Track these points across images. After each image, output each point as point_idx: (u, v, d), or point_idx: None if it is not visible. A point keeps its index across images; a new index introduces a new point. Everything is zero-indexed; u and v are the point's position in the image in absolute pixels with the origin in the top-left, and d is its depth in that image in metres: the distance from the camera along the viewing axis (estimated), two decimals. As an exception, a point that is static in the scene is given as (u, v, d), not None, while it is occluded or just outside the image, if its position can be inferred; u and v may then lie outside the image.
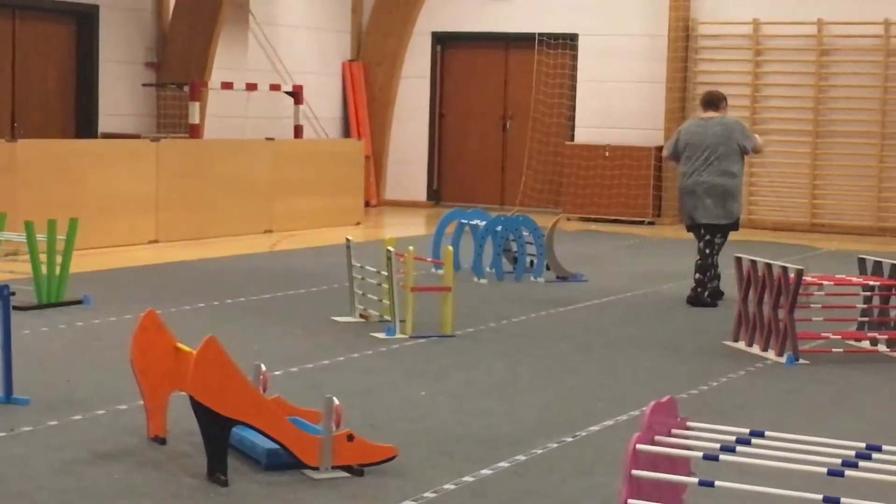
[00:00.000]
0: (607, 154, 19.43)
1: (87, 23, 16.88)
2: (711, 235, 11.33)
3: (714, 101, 11.51)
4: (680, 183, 11.47)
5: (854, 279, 9.62)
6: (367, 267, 10.02)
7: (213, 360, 5.60)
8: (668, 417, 4.77)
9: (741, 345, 9.37)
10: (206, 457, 5.68)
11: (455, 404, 7.35)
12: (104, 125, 17.02)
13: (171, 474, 5.78)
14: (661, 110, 19.39)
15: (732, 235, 11.66)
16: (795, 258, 14.09)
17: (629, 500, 4.51)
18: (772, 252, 13.91)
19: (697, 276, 11.39)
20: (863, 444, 4.63)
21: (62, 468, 5.84)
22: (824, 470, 4.40)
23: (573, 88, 20.19)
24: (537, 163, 20.32)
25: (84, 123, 16.97)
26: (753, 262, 9.28)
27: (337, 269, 11.95)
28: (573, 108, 20.20)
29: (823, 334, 9.22)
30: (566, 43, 20.08)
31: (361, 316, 10.05)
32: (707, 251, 11.34)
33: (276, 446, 5.77)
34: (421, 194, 21.25)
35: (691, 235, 11.72)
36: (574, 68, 20.14)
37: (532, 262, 12.80)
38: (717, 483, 4.49)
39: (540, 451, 6.33)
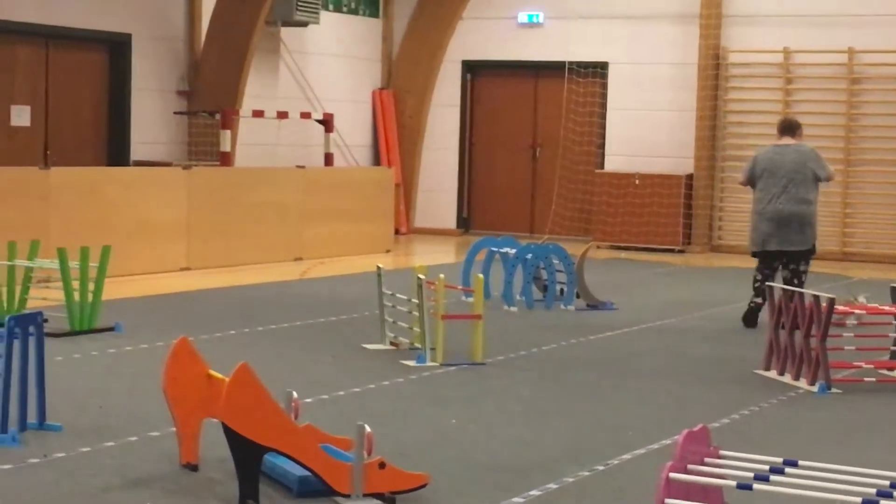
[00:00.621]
0: (637, 182, 19.41)
1: (119, 51, 16.99)
2: (796, 264, 11.46)
3: (791, 128, 11.69)
4: (757, 208, 11.53)
5: (886, 308, 9.58)
6: (398, 294, 10.03)
7: (245, 387, 5.61)
8: (701, 446, 4.75)
9: (772, 374, 9.33)
10: (237, 483, 5.69)
11: (486, 432, 7.35)
12: (136, 153, 17.10)
13: (202, 501, 5.78)
14: (691, 139, 19.37)
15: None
16: (827, 287, 14.02)
17: (662, 529, 4.49)
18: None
19: (758, 300, 11.42)
20: (897, 474, 4.61)
21: (94, 494, 5.85)
22: (859, 500, 4.38)
23: (603, 116, 20.19)
24: (567, 191, 20.32)
25: (116, 151, 17.06)
26: (785, 291, 9.25)
27: (367, 297, 11.96)
28: (603, 137, 20.20)
29: (856, 363, 9.18)
30: (596, 71, 20.10)
31: (392, 343, 10.05)
32: (795, 281, 11.35)
33: (307, 473, 5.77)
34: (451, 222, 21.27)
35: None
36: (604, 96, 20.15)
37: (562, 290, 12.79)
38: (750, 512, 4.47)
39: (571, 480, 6.32)
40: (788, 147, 11.56)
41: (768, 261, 11.55)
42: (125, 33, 16.94)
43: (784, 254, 11.45)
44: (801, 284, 11.28)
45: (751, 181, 11.67)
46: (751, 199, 19.11)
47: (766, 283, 9.57)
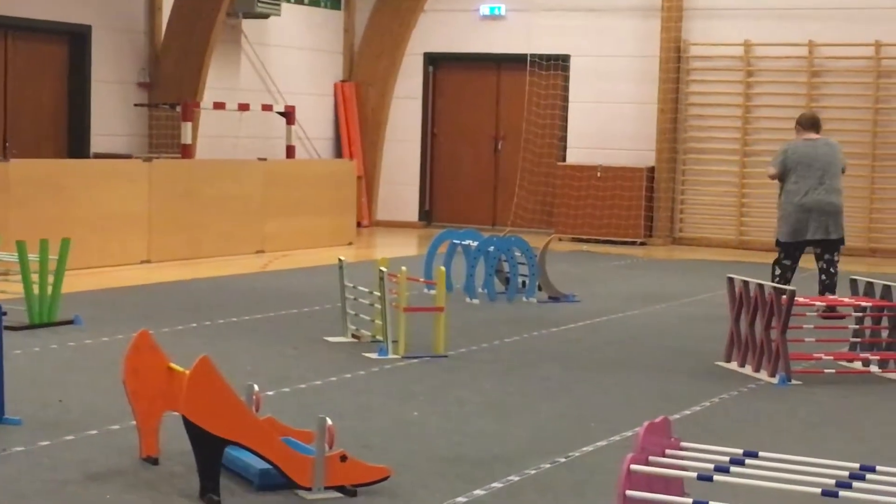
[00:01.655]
0: (599, 175, 19.46)
1: (79, 43, 16.89)
2: (830, 254, 11.87)
3: (817, 123, 12.18)
4: (794, 200, 11.86)
5: (846, 300, 9.63)
6: (360, 287, 10.01)
7: (205, 380, 5.59)
8: (662, 438, 4.76)
9: (733, 365, 9.37)
10: (198, 477, 5.67)
11: (448, 424, 7.35)
12: (96, 145, 17.01)
13: (163, 494, 5.76)
14: (652, 131, 19.43)
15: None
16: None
17: (623, 521, 4.50)
18: (764, 273, 13.91)
19: (828, 294, 11.68)
20: (857, 465, 4.63)
21: (54, 489, 5.82)
22: (818, 490, 4.40)
23: (565, 109, 20.22)
24: (529, 183, 20.34)
25: (76, 143, 16.96)
26: (745, 283, 9.29)
27: (329, 290, 11.94)
28: (565, 129, 20.23)
29: (815, 355, 9.23)
30: (558, 64, 20.12)
31: (354, 336, 10.04)
32: (832, 270, 11.83)
33: (268, 466, 5.76)
34: (413, 215, 21.26)
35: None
36: (566, 89, 20.18)
37: (524, 282, 12.80)
38: (711, 503, 4.49)
39: (533, 472, 6.32)
40: (818, 141, 12.02)
41: (795, 252, 11.94)
42: (85, 25, 16.84)
43: (819, 243, 11.85)
44: (835, 273, 11.83)
45: (782, 174, 12.03)
46: (714, 192, 19.26)
47: (731, 276, 9.60)
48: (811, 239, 11.84)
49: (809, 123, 12.19)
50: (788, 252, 12.02)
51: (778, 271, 12.00)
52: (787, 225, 11.91)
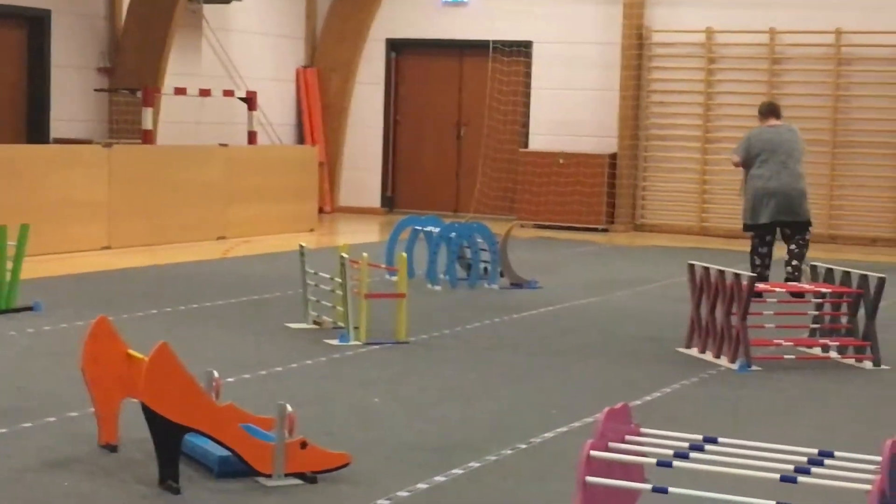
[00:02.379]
0: (561, 161, 19.47)
1: (38, 28, 16.76)
2: (801, 235, 12.08)
3: (777, 111, 12.44)
4: (759, 185, 12.02)
5: (806, 286, 9.67)
6: (321, 273, 9.99)
7: (164, 367, 5.56)
8: (622, 424, 4.77)
9: (694, 352, 9.40)
10: (157, 464, 5.64)
11: (409, 411, 7.34)
12: (56, 130, 16.89)
13: (122, 482, 5.73)
14: (614, 118, 19.46)
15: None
16: (748, 265, 14.14)
17: (583, 507, 4.51)
18: (725, 259, 13.95)
19: (795, 274, 11.95)
20: (815, 451, 4.65)
21: (12, 476, 5.78)
22: (777, 476, 4.42)
23: (527, 96, 20.22)
24: (491, 170, 20.34)
25: (36, 129, 16.83)
26: (706, 269, 9.32)
27: (290, 276, 11.91)
28: (527, 116, 20.24)
29: (775, 341, 9.27)
30: (520, 50, 20.12)
31: (315, 322, 10.02)
32: (798, 251, 12.05)
33: (228, 453, 5.73)
34: (375, 201, 21.23)
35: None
36: (528, 75, 20.18)
37: (486, 268, 12.80)
38: (670, 489, 4.50)
39: (494, 458, 6.32)
40: (781, 127, 12.27)
41: (765, 236, 12.14)
42: (44, 9, 16.71)
43: (788, 225, 12.08)
44: (805, 254, 12.10)
45: (746, 161, 12.23)
46: (675, 179, 19.31)
47: (692, 263, 9.62)
48: (780, 220, 12.02)
49: (769, 110, 12.40)
50: (762, 238, 12.16)
51: (758, 261, 12.15)
52: (758, 209, 12.08)
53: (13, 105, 16.77)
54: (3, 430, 6.56)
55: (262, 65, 19.98)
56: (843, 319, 9.50)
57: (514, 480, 5.97)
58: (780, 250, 12.32)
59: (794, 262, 12.08)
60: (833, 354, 9.38)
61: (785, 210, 11.95)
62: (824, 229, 18.30)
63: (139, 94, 16.82)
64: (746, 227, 12.28)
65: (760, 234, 12.17)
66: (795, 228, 12.08)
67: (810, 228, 12.22)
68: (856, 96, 18.45)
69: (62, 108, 17.01)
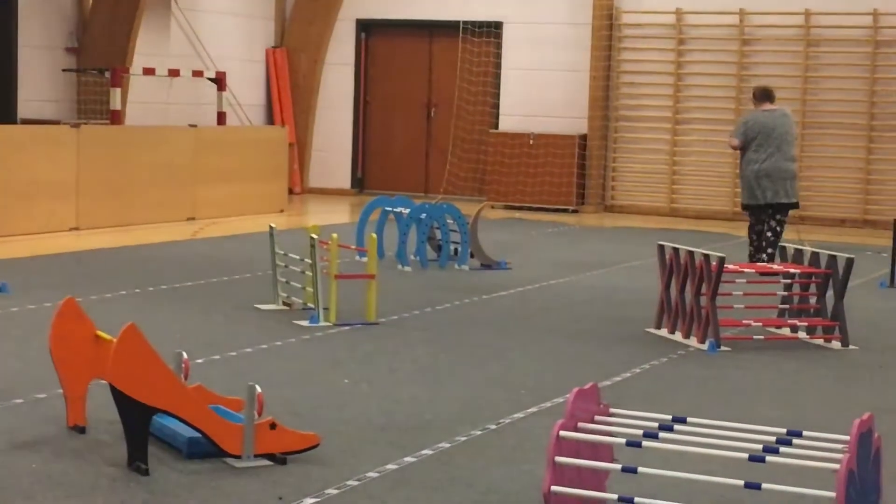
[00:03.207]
0: (531, 142, 19.48)
1: (5, 7, 16.62)
2: (782, 215, 12.75)
3: (772, 95, 13.04)
4: (755, 167, 12.60)
5: (775, 267, 9.71)
6: (291, 254, 9.96)
7: (133, 348, 5.53)
8: (591, 404, 4.78)
9: (664, 332, 9.42)
10: (126, 445, 5.62)
11: (379, 392, 7.33)
12: (23, 111, 16.78)
13: (90, 463, 5.71)
14: (584, 99, 19.46)
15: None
16: (717, 246, 14.19)
17: (552, 487, 4.52)
18: (694, 240, 14.00)
19: (770, 251, 12.52)
20: (783, 430, 4.67)
21: (-21, 458, 5.75)
22: (746, 455, 4.43)
23: (497, 76, 20.21)
24: (462, 151, 20.33)
25: (3, 109, 16.69)
26: (676, 250, 9.34)
27: (260, 257, 11.88)
28: (497, 96, 20.22)
29: (745, 321, 9.30)
30: (490, 31, 20.09)
31: (285, 303, 9.99)
32: (779, 229, 12.74)
33: (197, 435, 5.72)
34: (345, 182, 21.19)
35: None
36: (498, 56, 20.16)
37: (456, 249, 12.79)
38: (639, 469, 4.51)
39: (464, 439, 6.33)
40: (776, 111, 12.86)
41: (762, 215, 12.73)
42: (11, -12, 16.59)
43: (778, 206, 12.67)
44: (782, 232, 12.78)
45: (744, 144, 12.70)
46: (645, 160, 19.34)
47: (661, 244, 9.64)
48: (775, 202, 12.62)
49: (765, 95, 12.97)
50: (757, 217, 12.77)
51: (754, 237, 12.82)
52: (755, 189, 12.64)
53: (-20, 85, 16.65)
54: (-29, 412, 6.52)
55: (231, 45, 19.90)
56: (812, 300, 9.53)
57: (483, 461, 5.97)
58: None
59: (770, 251, 12.59)
60: (802, 335, 9.42)
61: (776, 192, 12.57)
62: (794, 210, 18.33)
63: (107, 74, 16.72)
64: (745, 207, 12.93)
65: (756, 213, 12.78)
66: (778, 208, 12.69)
67: (789, 211, 12.81)
68: (825, 77, 18.50)
69: (30, 89, 16.90)
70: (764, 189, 12.63)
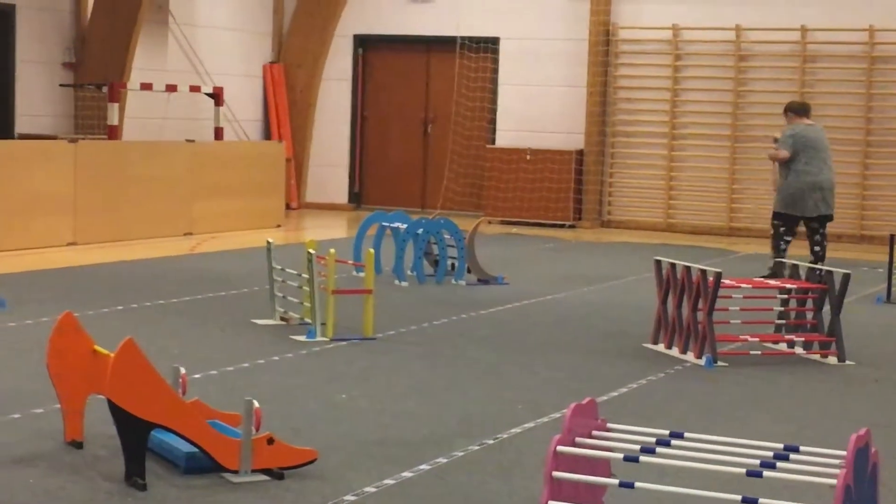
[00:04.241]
0: (529, 157, 19.49)
1: (3, 22, 16.65)
2: (824, 227, 13.31)
3: (809, 110, 13.58)
4: (809, 179, 13.03)
5: (771, 282, 9.72)
6: (288, 269, 9.97)
7: (130, 363, 5.53)
8: (589, 419, 4.78)
9: (660, 347, 9.42)
10: (124, 460, 5.62)
11: (376, 407, 7.33)
12: (21, 126, 16.79)
13: (88, 479, 5.70)
14: (581, 114, 19.48)
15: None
16: (714, 261, 14.21)
17: (549, 502, 4.52)
18: (691, 255, 14.02)
19: (821, 263, 12.58)
20: (781, 445, 4.67)
21: (-24, 473, 5.74)
22: (743, 471, 4.43)
23: (494, 92, 20.23)
24: (459, 166, 20.34)
25: (0, 124, 16.73)
26: (673, 265, 9.35)
27: (257, 272, 11.88)
28: (494, 112, 20.24)
29: (741, 337, 9.30)
30: (487, 46, 20.13)
31: (282, 318, 10.00)
32: (825, 242, 13.34)
33: (195, 449, 5.72)
34: (342, 197, 21.20)
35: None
36: (495, 72, 20.19)
37: (453, 264, 12.80)
38: (637, 484, 4.51)
39: (461, 454, 6.33)
40: (815, 126, 13.36)
41: (794, 226, 13.26)
42: (9, 3, 16.62)
43: (822, 218, 13.23)
44: (826, 244, 13.39)
45: (791, 156, 13.10)
46: (642, 175, 19.36)
47: (658, 259, 9.65)
48: (819, 213, 13.13)
49: (804, 110, 13.46)
50: (790, 227, 13.23)
51: (783, 246, 13.20)
52: (797, 200, 13.06)
53: (-22, 100, 16.66)
54: (-32, 427, 6.52)
55: (228, 60, 19.93)
56: (809, 315, 9.54)
57: (480, 476, 5.98)
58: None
59: (821, 263, 12.64)
60: (798, 350, 9.43)
61: (826, 203, 13.11)
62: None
63: (105, 89, 16.74)
64: (781, 216, 13.19)
65: (792, 224, 13.21)
66: (821, 221, 13.25)
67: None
68: (821, 93, 18.52)
69: (27, 104, 16.91)
70: (816, 201, 13.05)
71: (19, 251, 13.72)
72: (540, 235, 18.07)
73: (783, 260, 12.06)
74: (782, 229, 13.21)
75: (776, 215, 13.28)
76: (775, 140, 13.42)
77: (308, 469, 5.84)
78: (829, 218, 13.32)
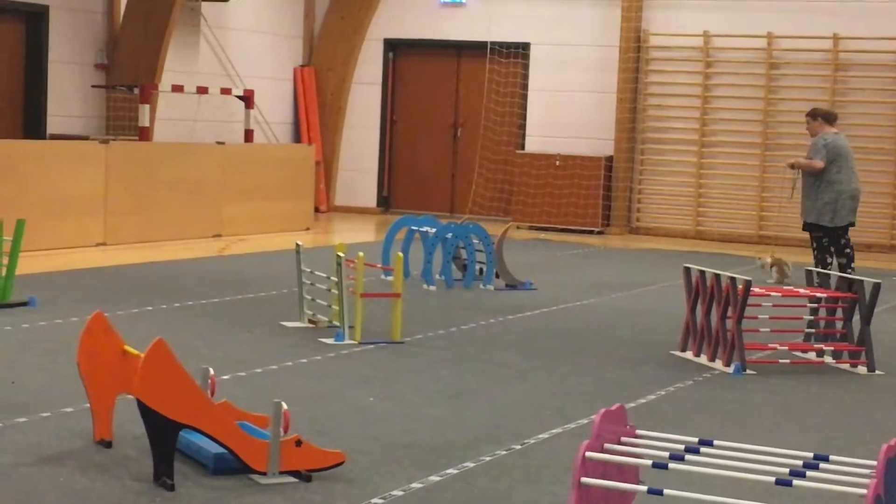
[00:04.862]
0: (558, 163, 19.48)
1: (36, 23, 16.75)
2: (846, 233, 13.32)
3: (837, 118, 13.61)
4: (844, 188, 13.14)
5: (801, 291, 9.68)
6: (317, 272, 9.98)
7: (160, 364, 5.55)
8: (618, 425, 4.77)
9: (689, 355, 9.40)
10: (152, 460, 5.63)
11: (403, 411, 7.34)
12: (53, 126, 16.88)
13: (116, 478, 5.72)
14: (611, 120, 19.46)
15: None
16: (743, 269, 14.16)
17: (578, 508, 4.51)
18: (720, 263, 13.98)
19: (852, 266, 13.07)
20: (810, 454, 4.66)
21: (5, 472, 5.77)
22: (773, 479, 4.42)
23: (524, 97, 20.23)
24: (488, 171, 20.34)
25: (32, 124, 16.82)
26: (702, 273, 9.32)
27: (286, 275, 11.90)
28: (524, 117, 20.24)
29: (770, 345, 9.27)
30: (518, 52, 20.13)
31: (310, 321, 10.01)
32: (851, 245, 13.36)
33: (223, 451, 5.73)
34: (371, 201, 21.23)
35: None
36: (525, 77, 20.19)
37: (481, 269, 12.80)
38: (665, 491, 4.50)
39: (488, 459, 6.32)
40: (841, 135, 13.41)
41: (832, 234, 13.25)
42: (42, 4, 16.70)
43: (847, 226, 13.27)
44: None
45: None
46: (671, 182, 19.31)
47: (687, 266, 9.63)
48: (852, 222, 13.30)
49: (833, 118, 13.45)
50: (833, 237, 13.21)
51: (829, 259, 13.26)
52: (835, 211, 13.10)
53: (10, 100, 16.76)
54: (-2, 425, 6.55)
55: (259, 63, 19.98)
56: (839, 324, 9.50)
57: (508, 481, 5.97)
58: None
59: (852, 266, 13.15)
60: (828, 359, 9.39)
61: (854, 212, 13.25)
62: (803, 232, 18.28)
63: (136, 90, 16.82)
64: (819, 228, 13.11)
65: (833, 234, 13.15)
66: (847, 228, 13.31)
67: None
68: (853, 102, 18.45)
69: (59, 104, 17.00)
70: (849, 210, 13.16)
71: (49, 251, 13.79)
72: (568, 241, 18.06)
73: (824, 271, 12.04)
74: (826, 240, 13.21)
75: (815, 227, 13.18)
76: (791, 166, 13.49)
77: (335, 472, 5.84)
78: (853, 224, 13.40)
